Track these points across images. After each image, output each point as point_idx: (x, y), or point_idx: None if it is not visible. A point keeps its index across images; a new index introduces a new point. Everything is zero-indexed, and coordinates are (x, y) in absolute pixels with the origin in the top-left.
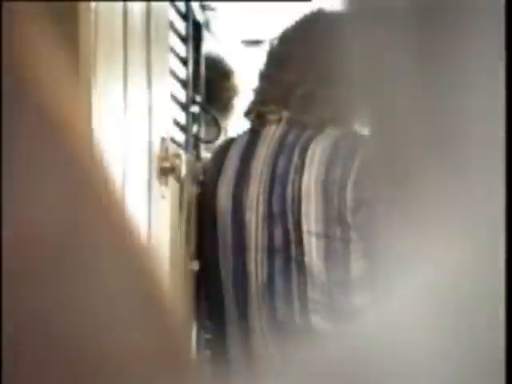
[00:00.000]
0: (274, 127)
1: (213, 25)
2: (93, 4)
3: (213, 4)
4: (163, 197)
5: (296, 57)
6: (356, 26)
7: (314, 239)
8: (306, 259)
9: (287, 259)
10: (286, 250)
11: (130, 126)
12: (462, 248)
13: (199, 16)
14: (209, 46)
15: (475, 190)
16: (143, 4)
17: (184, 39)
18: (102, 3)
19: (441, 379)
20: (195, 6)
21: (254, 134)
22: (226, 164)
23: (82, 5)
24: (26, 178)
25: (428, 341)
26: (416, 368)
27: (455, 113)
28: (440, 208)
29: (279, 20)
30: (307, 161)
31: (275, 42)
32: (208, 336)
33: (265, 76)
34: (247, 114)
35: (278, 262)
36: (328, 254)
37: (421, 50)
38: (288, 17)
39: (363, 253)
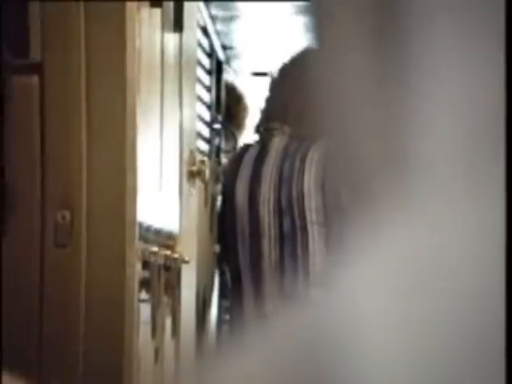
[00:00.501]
0: (278, 139)
1: (231, 60)
2: (137, 44)
3: (231, 44)
4: (191, 194)
5: (289, 84)
6: (325, 59)
7: (316, 227)
8: (310, 243)
9: (294, 244)
10: (293, 237)
11: (166, 139)
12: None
13: (220, 54)
14: (227, 77)
15: (425, 194)
16: (177, 44)
17: (208, 72)
18: (144, 44)
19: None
20: (217, 45)
21: (263, 145)
22: (241, 168)
23: (129, 47)
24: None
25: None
26: (388, 336)
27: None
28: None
29: (281, 55)
30: (307, 165)
31: (275, 74)
32: (227, 304)
33: (268, 99)
34: (257, 129)
35: (287, 246)
36: (328, 238)
37: (378, 73)
38: (287, 53)
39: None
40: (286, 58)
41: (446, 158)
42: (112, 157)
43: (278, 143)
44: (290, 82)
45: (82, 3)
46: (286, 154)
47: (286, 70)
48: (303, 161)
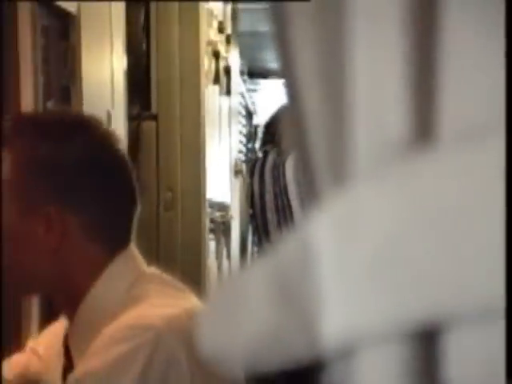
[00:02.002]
0: (271, 155)
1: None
2: (206, 106)
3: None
4: (236, 183)
5: (274, 126)
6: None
7: (295, 202)
8: (293, 211)
9: (284, 212)
10: (284, 208)
11: (223, 153)
12: None
13: (251, 107)
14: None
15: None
16: (228, 102)
17: (244, 117)
18: (210, 104)
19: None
20: (249, 103)
21: (264, 157)
22: (254, 172)
23: (202, 110)
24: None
25: None
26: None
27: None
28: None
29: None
30: (286, 168)
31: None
32: (256, 240)
33: (264, 134)
34: (260, 149)
35: (281, 213)
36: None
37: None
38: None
39: None
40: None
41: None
42: (194, 164)
43: (271, 157)
44: (274, 126)
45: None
46: (275, 164)
47: (271, 120)
48: (284, 167)
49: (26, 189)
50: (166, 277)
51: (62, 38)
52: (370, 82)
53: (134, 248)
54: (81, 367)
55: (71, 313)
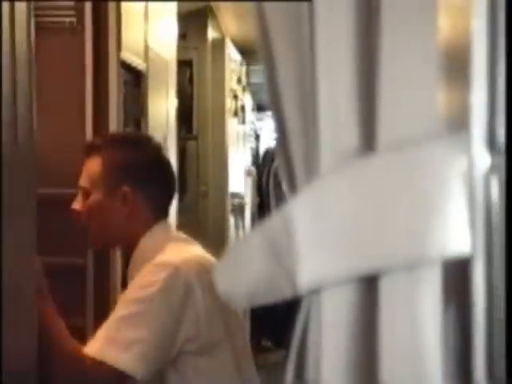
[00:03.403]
0: (272, 165)
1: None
2: (229, 131)
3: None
4: (248, 180)
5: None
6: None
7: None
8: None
9: (278, 194)
10: (277, 190)
11: (239, 160)
12: None
13: (259, 132)
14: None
15: None
16: (243, 131)
17: (255, 138)
18: (231, 130)
19: None
20: (258, 129)
21: (268, 167)
22: (262, 175)
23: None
24: None
25: None
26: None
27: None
28: None
29: None
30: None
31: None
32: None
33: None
34: (262, 162)
35: (277, 196)
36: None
37: None
38: None
39: None
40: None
41: None
42: (220, 168)
43: (272, 166)
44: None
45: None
46: (275, 171)
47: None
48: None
49: (111, 177)
50: (186, 237)
51: (136, 87)
52: (328, 98)
53: (168, 219)
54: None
55: (130, 256)
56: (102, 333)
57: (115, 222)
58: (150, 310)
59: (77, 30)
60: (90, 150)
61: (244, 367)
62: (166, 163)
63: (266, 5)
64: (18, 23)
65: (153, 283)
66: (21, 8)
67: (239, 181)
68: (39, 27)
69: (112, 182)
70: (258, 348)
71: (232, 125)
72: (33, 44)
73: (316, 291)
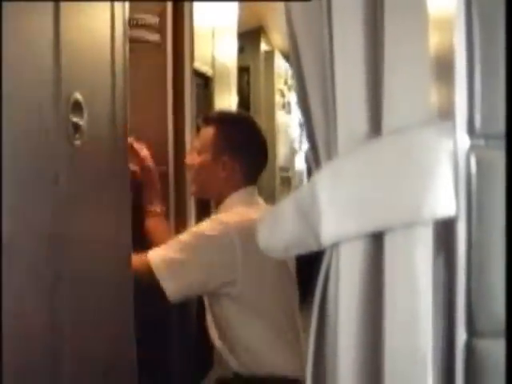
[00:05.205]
0: None
1: None
2: (277, 120)
3: None
4: (293, 159)
5: None
6: None
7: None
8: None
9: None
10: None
11: (287, 140)
12: None
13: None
14: None
15: None
16: (289, 120)
17: (299, 125)
18: (279, 119)
19: None
20: None
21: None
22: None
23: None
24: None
25: None
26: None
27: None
28: None
29: None
30: None
31: None
32: None
33: None
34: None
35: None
36: None
37: None
38: None
39: None
40: None
41: None
42: (271, 148)
43: None
44: None
45: None
46: None
47: None
48: None
49: (217, 146)
50: (259, 203)
51: (205, 89)
52: (343, 93)
53: (255, 187)
54: None
55: (217, 208)
56: (164, 247)
57: (213, 182)
58: (197, 245)
59: (160, 45)
60: (207, 120)
61: (285, 325)
62: (262, 140)
63: (294, 17)
64: (117, 39)
65: (205, 229)
66: (119, 26)
67: (286, 158)
68: (131, 42)
69: (217, 150)
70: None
71: (280, 115)
72: (127, 56)
73: (335, 245)
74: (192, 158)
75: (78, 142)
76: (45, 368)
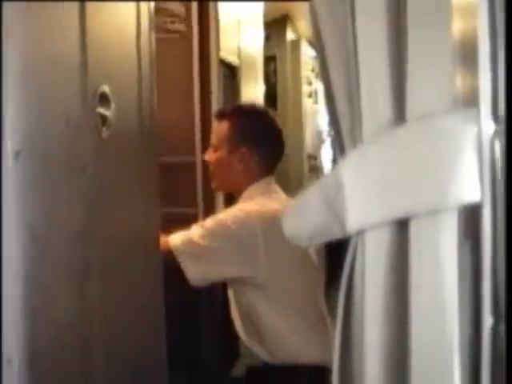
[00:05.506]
0: None
1: None
2: (305, 108)
3: None
4: (320, 145)
5: None
6: None
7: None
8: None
9: None
10: None
11: (314, 126)
12: None
13: None
14: None
15: None
16: (317, 107)
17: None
18: (308, 107)
19: None
20: None
21: None
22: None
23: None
24: None
25: None
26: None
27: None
28: None
29: None
30: None
31: None
32: None
33: None
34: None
35: None
36: None
37: None
38: None
39: None
40: None
41: None
42: (299, 137)
43: None
44: None
45: None
46: None
47: None
48: None
49: (234, 139)
50: (279, 193)
51: (232, 78)
52: (367, 77)
53: (272, 177)
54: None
55: (237, 199)
56: (186, 233)
57: (231, 175)
58: (219, 232)
59: (186, 35)
60: (221, 115)
61: (312, 316)
62: (277, 131)
63: (317, 7)
64: (142, 31)
65: (228, 218)
66: (144, 17)
67: (314, 146)
68: (157, 32)
69: (234, 143)
70: None
71: (307, 104)
72: (153, 47)
73: (361, 233)
74: (210, 155)
75: (105, 134)
76: (76, 360)
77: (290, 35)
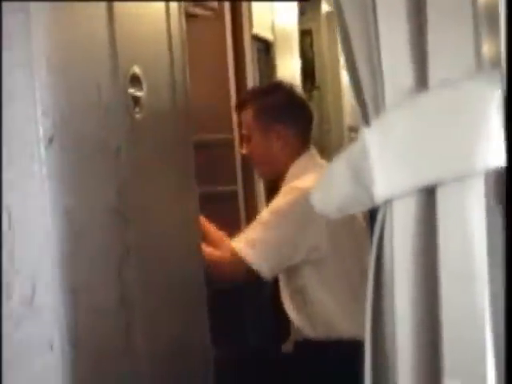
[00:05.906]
0: None
1: None
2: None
3: None
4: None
5: None
6: None
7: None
8: None
9: None
10: None
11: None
12: None
13: None
14: None
15: None
16: None
17: None
18: (344, 82)
19: None
20: None
21: None
22: None
23: None
24: None
25: None
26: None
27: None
28: None
29: None
30: None
31: None
32: None
33: None
34: None
35: None
36: None
37: None
38: None
39: None
40: None
41: None
42: (338, 110)
43: None
44: None
45: None
46: None
47: None
48: None
49: (263, 120)
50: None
51: (267, 54)
52: (388, 44)
53: (313, 149)
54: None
55: (281, 181)
56: (244, 233)
57: (274, 156)
58: (278, 220)
59: (220, 12)
60: (242, 104)
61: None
62: (302, 101)
63: None
64: (172, 10)
65: (283, 201)
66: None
67: (355, 119)
68: (188, 10)
69: (265, 124)
70: None
71: (346, 76)
72: (184, 26)
73: (389, 202)
74: (246, 147)
75: (138, 115)
76: (117, 341)
77: (325, 7)
